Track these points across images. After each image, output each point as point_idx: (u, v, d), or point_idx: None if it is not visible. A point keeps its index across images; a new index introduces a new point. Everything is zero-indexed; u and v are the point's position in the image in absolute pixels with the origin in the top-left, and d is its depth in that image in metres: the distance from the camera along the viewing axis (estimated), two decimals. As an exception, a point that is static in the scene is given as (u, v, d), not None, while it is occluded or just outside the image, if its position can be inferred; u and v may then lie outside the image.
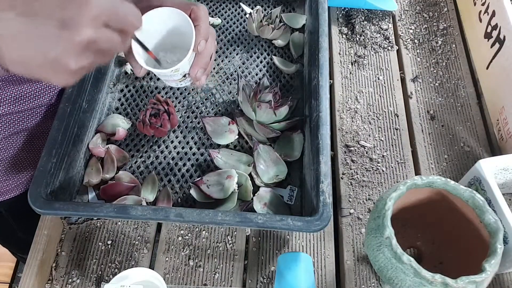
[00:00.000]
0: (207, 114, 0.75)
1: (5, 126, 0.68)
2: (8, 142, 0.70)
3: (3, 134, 0.68)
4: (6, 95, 0.65)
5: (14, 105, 0.66)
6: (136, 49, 0.56)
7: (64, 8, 0.38)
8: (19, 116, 0.69)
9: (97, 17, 0.39)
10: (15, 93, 0.66)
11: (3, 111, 0.65)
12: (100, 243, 0.67)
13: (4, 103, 0.65)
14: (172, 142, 0.72)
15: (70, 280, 0.64)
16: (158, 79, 0.79)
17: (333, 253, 0.66)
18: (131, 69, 0.79)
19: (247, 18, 0.85)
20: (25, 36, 0.39)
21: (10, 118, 0.68)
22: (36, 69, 0.41)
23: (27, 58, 0.39)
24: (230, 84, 0.78)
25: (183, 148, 0.72)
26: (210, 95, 0.77)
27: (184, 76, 0.60)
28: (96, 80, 0.73)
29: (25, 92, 0.67)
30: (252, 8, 0.87)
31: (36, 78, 0.42)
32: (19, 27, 0.38)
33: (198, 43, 0.55)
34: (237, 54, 0.82)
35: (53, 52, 0.39)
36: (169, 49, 0.61)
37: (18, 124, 0.70)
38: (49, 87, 0.70)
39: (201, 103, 0.76)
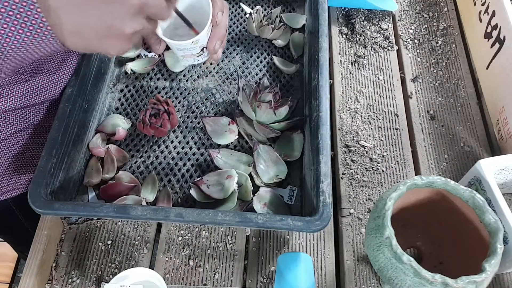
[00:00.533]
0: (207, 114, 0.75)
1: (14, 121, 0.68)
2: (17, 137, 0.70)
3: (13, 130, 0.68)
4: (14, 89, 0.65)
5: (22, 100, 0.67)
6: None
7: None
8: (27, 112, 0.69)
9: None
10: (23, 88, 0.66)
11: (12, 105, 0.66)
12: (100, 243, 0.67)
13: (12, 98, 0.65)
14: (172, 142, 0.72)
15: (70, 280, 0.64)
16: (158, 78, 0.79)
17: (333, 253, 0.66)
18: (131, 69, 0.79)
19: (247, 18, 0.85)
20: (80, 5, 0.40)
21: (19, 114, 0.68)
22: (93, 37, 0.42)
23: (84, 27, 0.41)
24: (230, 84, 0.78)
25: (183, 148, 0.72)
26: (210, 95, 0.77)
27: (202, 50, 0.60)
28: (96, 80, 0.73)
29: (33, 87, 0.67)
30: (252, 8, 0.87)
31: (92, 50, 0.43)
32: None
33: (215, 15, 0.56)
34: (237, 54, 0.82)
35: (109, 17, 0.40)
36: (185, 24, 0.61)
37: (27, 120, 0.70)
38: (56, 82, 0.70)
39: (201, 103, 0.76)
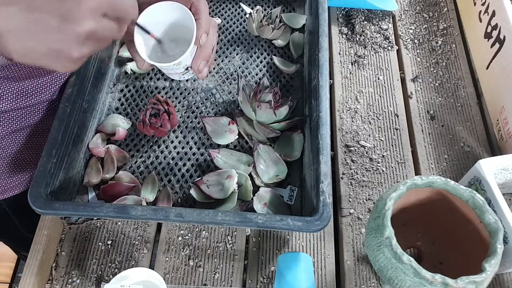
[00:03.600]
0: (207, 114, 0.75)
1: (8, 122, 0.68)
2: (11, 139, 0.70)
3: (6, 131, 0.68)
4: (8, 91, 0.65)
5: (16, 102, 0.67)
6: (139, 43, 0.56)
7: (64, 1, 0.40)
8: (21, 113, 0.69)
9: (96, 9, 0.41)
10: (18, 89, 0.66)
11: (6, 107, 0.65)
12: (100, 243, 0.67)
13: (7, 99, 0.65)
14: (172, 142, 0.72)
15: (70, 280, 0.64)
16: (158, 78, 0.79)
17: (333, 253, 0.66)
18: (131, 69, 0.79)
19: (247, 18, 0.85)
20: (28, 30, 0.41)
21: (13, 115, 0.68)
22: (41, 59, 0.43)
23: (31, 49, 0.42)
24: (230, 84, 0.78)
25: (183, 148, 0.72)
26: (210, 95, 0.77)
27: (187, 69, 0.61)
28: (96, 80, 0.73)
29: (28, 88, 0.67)
30: (252, 8, 0.87)
31: (41, 66, 0.44)
32: (22, 21, 0.40)
33: (199, 37, 0.56)
34: (237, 54, 0.82)
35: (56, 44, 0.41)
36: (172, 40, 0.62)
37: (21, 121, 0.70)
38: (51, 83, 0.70)
39: (201, 103, 0.76)
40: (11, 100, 0.66)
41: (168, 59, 0.59)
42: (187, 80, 0.78)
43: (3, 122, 0.67)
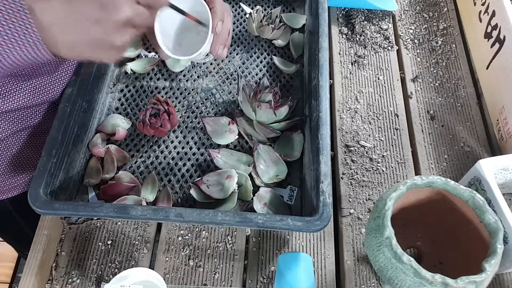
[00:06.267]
0: (207, 114, 0.75)
1: (11, 123, 0.68)
2: (15, 139, 0.70)
3: (10, 131, 0.68)
4: (12, 92, 0.65)
5: (20, 102, 0.67)
6: (159, 36, 0.58)
7: None
8: (25, 113, 0.69)
9: None
10: (21, 90, 0.66)
11: (9, 107, 0.66)
12: (100, 243, 0.67)
13: (11, 100, 0.65)
14: (172, 142, 0.72)
15: (70, 280, 0.64)
16: (158, 78, 0.79)
17: (333, 253, 0.66)
18: (131, 69, 0.79)
19: (247, 18, 0.85)
20: (71, 21, 0.43)
21: (16, 115, 0.68)
22: (86, 50, 0.45)
23: (76, 41, 0.44)
24: (230, 84, 0.78)
25: (183, 148, 0.72)
26: (210, 95, 0.77)
27: (207, 55, 0.62)
28: (96, 80, 0.73)
29: (31, 89, 0.67)
30: (252, 8, 0.87)
31: (87, 59, 0.47)
32: (65, 14, 0.43)
33: (215, 25, 0.58)
34: (237, 54, 0.82)
35: (98, 32, 0.44)
36: (188, 28, 0.63)
37: (25, 121, 0.70)
38: (54, 83, 0.70)
39: (201, 103, 0.76)
40: (16, 100, 0.66)
41: (186, 50, 0.61)
42: (187, 80, 0.78)
43: (8, 121, 0.68)
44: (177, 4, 0.58)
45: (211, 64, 0.80)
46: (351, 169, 0.74)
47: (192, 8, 0.59)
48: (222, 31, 0.60)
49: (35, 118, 0.71)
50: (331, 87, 0.83)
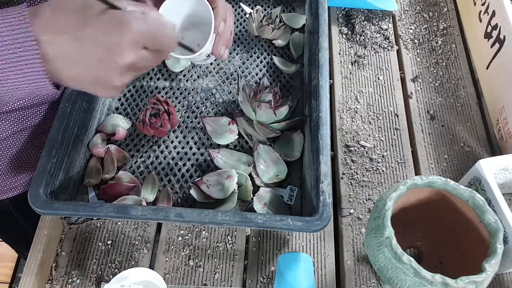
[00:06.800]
0: (207, 114, 0.75)
1: (12, 122, 0.68)
2: (15, 139, 0.70)
3: (10, 131, 0.68)
4: None
5: (20, 102, 0.67)
6: None
7: (109, 34, 0.44)
8: (25, 113, 0.69)
9: (137, 42, 0.45)
10: None
11: (11, 107, 0.65)
12: (100, 243, 0.67)
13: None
14: (172, 142, 0.72)
15: (70, 280, 0.64)
16: (158, 78, 0.79)
17: (333, 253, 0.66)
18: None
19: (247, 18, 0.85)
20: (77, 57, 0.44)
21: (16, 115, 0.68)
22: (87, 85, 0.47)
23: (79, 76, 0.46)
24: (230, 84, 0.78)
25: (183, 148, 0.72)
26: (210, 95, 0.77)
27: (208, 56, 0.62)
28: (96, 80, 0.73)
29: None
30: (252, 8, 0.87)
31: (86, 91, 0.49)
32: (72, 49, 0.44)
33: (217, 25, 0.58)
34: (237, 54, 0.82)
35: (101, 72, 0.45)
36: (190, 28, 0.63)
37: (25, 121, 0.70)
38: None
39: (201, 103, 0.76)
40: (16, 100, 0.66)
41: (188, 53, 0.61)
42: (187, 80, 0.78)
43: (8, 121, 0.68)
44: (180, 3, 0.58)
45: (211, 64, 0.81)
46: (351, 169, 0.74)
47: (195, 8, 0.59)
48: (225, 31, 0.60)
49: (35, 118, 0.71)
50: (331, 87, 0.83)
